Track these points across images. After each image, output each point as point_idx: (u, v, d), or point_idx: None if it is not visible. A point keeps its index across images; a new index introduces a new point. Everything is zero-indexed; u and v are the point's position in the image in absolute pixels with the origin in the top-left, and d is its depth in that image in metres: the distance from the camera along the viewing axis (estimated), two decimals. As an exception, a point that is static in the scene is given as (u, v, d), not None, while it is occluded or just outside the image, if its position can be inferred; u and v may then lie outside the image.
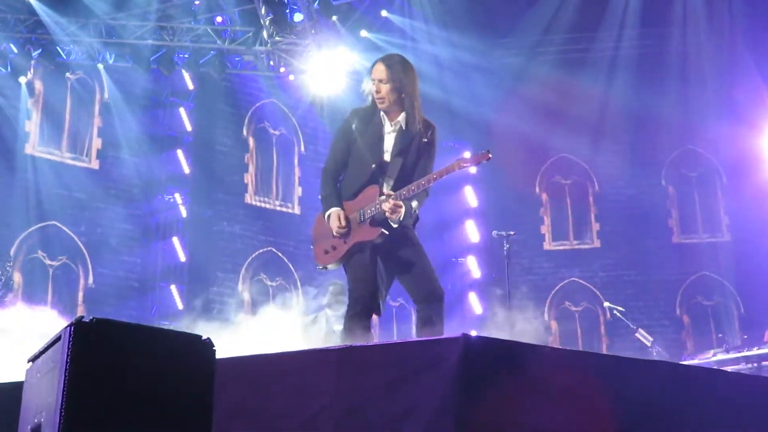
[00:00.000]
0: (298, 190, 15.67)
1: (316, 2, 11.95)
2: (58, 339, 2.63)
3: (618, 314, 9.07)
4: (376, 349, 3.50)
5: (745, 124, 14.81)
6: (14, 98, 12.69)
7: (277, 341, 6.92)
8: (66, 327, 2.55)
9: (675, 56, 15.27)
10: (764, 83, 14.70)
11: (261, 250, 14.85)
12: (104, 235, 13.20)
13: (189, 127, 14.20)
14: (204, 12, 12.79)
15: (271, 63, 13.03)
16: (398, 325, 14.89)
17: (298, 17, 11.91)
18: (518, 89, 15.32)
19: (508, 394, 2.97)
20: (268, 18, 11.92)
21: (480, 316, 14.94)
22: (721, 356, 8.73)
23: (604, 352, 14.34)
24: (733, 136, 14.98)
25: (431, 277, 4.64)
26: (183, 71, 13.77)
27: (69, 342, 2.50)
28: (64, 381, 2.46)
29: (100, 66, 13.10)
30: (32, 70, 12.67)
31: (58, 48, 12.30)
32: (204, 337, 2.83)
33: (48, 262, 12.81)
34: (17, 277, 12.17)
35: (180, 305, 13.11)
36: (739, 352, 8.59)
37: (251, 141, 15.54)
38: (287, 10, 11.93)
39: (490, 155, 4.56)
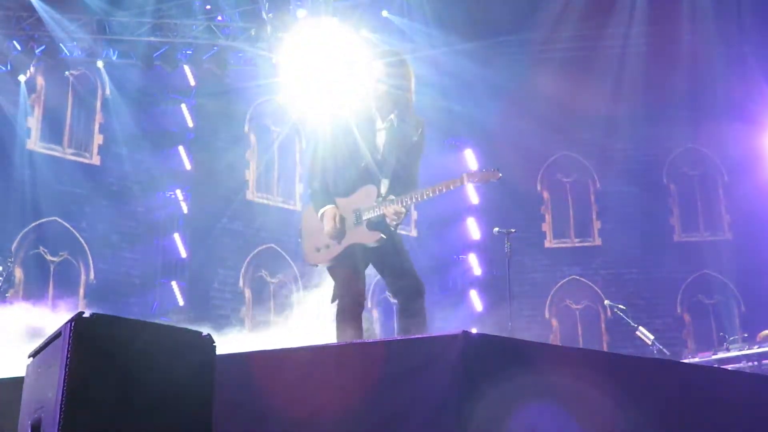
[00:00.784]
0: (299, 187, 15.67)
1: (319, -1, 11.94)
2: (58, 335, 2.63)
3: (619, 312, 9.05)
4: (376, 346, 3.49)
5: (746, 122, 14.80)
6: (14, 95, 12.69)
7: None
8: (66, 323, 2.55)
9: (676, 55, 15.25)
10: (766, 82, 14.68)
11: (262, 247, 14.86)
12: (105, 231, 13.21)
13: (190, 124, 14.20)
14: (206, 8, 12.77)
15: (273, 60, 13.02)
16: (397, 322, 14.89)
17: (301, 13, 11.91)
18: (520, 88, 15.30)
19: (508, 392, 2.97)
20: (271, 14, 11.91)
21: (480, 313, 14.96)
22: (721, 354, 8.73)
23: (605, 350, 14.35)
24: (735, 135, 14.98)
25: (412, 273, 4.57)
26: (185, 68, 13.76)
27: (69, 338, 2.50)
28: (64, 377, 2.46)
29: (102, 63, 13.10)
30: (33, 68, 12.68)
31: (61, 45, 12.29)
32: (204, 333, 2.84)
33: (49, 257, 12.82)
34: (18, 273, 12.17)
35: (181, 301, 13.12)
36: (740, 350, 8.59)
37: (252, 137, 15.54)
38: (290, 6, 11.93)
39: (500, 174, 4.42)
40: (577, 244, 16.21)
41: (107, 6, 12.19)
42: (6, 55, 12.20)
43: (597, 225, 16.23)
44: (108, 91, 13.72)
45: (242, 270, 14.57)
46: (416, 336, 3.61)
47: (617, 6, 15.06)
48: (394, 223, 4.44)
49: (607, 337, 15.27)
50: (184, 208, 13.78)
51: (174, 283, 13.28)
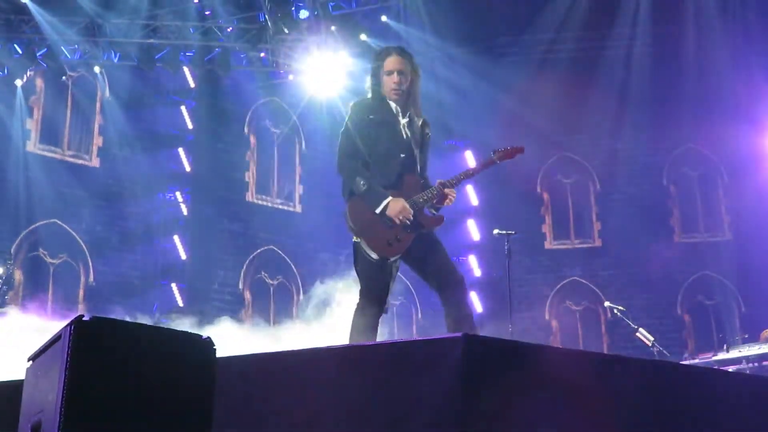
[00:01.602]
0: (299, 189, 15.67)
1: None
2: (58, 338, 2.62)
3: (619, 313, 9.05)
4: (377, 348, 3.49)
5: (746, 123, 14.80)
6: (12, 97, 12.70)
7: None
8: (66, 326, 2.54)
9: (676, 56, 15.25)
10: (766, 82, 14.68)
11: (262, 249, 14.86)
12: (105, 233, 13.21)
13: (190, 125, 14.21)
14: (208, 9, 12.76)
15: (274, 61, 13.02)
16: (398, 323, 14.90)
17: (303, 14, 11.91)
18: (519, 89, 15.30)
19: (508, 394, 2.97)
20: (273, 16, 11.91)
21: (480, 314, 14.94)
22: (722, 356, 8.72)
23: (605, 351, 14.35)
24: (735, 135, 14.97)
25: (451, 264, 4.70)
26: (185, 69, 13.76)
27: (69, 341, 2.50)
28: (64, 380, 2.45)
29: (101, 65, 13.09)
30: (32, 71, 12.67)
31: (61, 47, 12.28)
32: (204, 336, 2.83)
33: (49, 260, 12.81)
34: (18, 275, 12.17)
35: (181, 303, 13.13)
36: (740, 352, 8.58)
37: (252, 139, 15.54)
38: (293, 8, 11.93)
39: (524, 147, 5.03)
40: (577, 246, 16.20)
41: (107, 9, 12.19)
42: (5, 58, 12.19)
43: (597, 226, 16.22)
44: (107, 93, 13.72)
45: (242, 271, 14.56)
46: (417, 338, 3.61)
47: (620, 8, 15.07)
48: (449, 205, 4.66)
49: (608, 338, 15.26)
50: (184, 210, 13.79)
51: (174, 285, 13.29)
